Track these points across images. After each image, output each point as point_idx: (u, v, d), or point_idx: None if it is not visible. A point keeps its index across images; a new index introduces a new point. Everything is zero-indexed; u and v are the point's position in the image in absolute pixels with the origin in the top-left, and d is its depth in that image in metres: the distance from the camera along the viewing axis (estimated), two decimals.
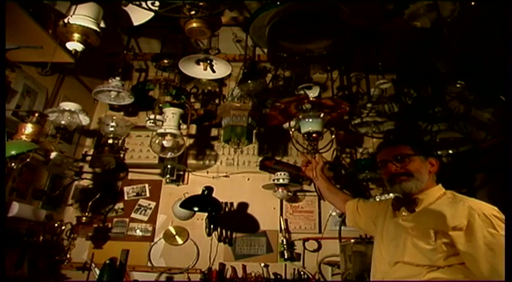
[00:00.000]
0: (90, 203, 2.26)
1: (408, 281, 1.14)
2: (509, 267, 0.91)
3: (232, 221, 2.42)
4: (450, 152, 2.23)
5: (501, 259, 0.99)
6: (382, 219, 1.42)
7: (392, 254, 1.23)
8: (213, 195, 2.12)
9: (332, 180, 2.46)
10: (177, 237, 2.38)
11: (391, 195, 1.89)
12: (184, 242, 2.37)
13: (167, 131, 2.05)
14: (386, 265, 1.23)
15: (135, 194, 2.53)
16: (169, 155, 2.13)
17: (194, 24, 1.68)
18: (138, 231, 2.41)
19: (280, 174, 2.21)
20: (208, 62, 1.98)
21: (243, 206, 2.48)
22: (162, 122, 2.08)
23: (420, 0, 1.65)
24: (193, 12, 1.53)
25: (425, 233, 1.14)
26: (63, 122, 1.86)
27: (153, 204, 2.49)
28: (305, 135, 1.97)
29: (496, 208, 1.12)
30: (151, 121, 2.06)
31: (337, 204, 1.81)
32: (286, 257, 2.24)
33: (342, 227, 2.30)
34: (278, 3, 1.60)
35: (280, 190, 2.21)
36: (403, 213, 1.30)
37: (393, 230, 1.29)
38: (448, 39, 1.83)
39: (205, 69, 2.00)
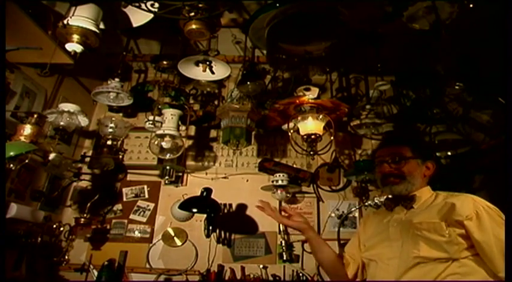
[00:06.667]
0: (88, 204, 2.25)
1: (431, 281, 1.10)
2: (509, 267, 0.91)
3: (231, 223, 2.42)
4: (449, 153, 2.24)
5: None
6: (378, 225, 1.38)
7: (401, 254, 1.19)
8: (212, 196, 2.12)
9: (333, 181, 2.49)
10: (175, 238, 2.37)
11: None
12: (183, 244, 2.37)
13: (166, 132, 2.05)
14: (395, 267, 1.18)
15: (133, 195, 2.52)
16: (168, 156, 2.14)
17: (193, 26, 1.69)
18: (136, 232, 2.40)
19: (279, 175, 2.21)
20: (208, 63, 1.98)
21: (242, 207, 2.47)
22: (161, 123, 2.08)
23: (419, 0, 1.65)
24: (192, 14, 1.53)
25: (437, 226, 1.14)
26: (62, 123, 1.85)
27: (151, 205, 2.48)
28: (304, 136, 1.98)
29: None
30: (150, 122, 2.06)
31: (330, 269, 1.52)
32: (285, 258, 2.23)
33: (341, 228, 2.30)
34: (277, 5, 1.61)
35: (279, 191, 2.21)
36: (400, 211, 1.31)
37: (396, 230, 1.26)
38: (446, 41, 1.83)
39: (205, 70, 2.00)
